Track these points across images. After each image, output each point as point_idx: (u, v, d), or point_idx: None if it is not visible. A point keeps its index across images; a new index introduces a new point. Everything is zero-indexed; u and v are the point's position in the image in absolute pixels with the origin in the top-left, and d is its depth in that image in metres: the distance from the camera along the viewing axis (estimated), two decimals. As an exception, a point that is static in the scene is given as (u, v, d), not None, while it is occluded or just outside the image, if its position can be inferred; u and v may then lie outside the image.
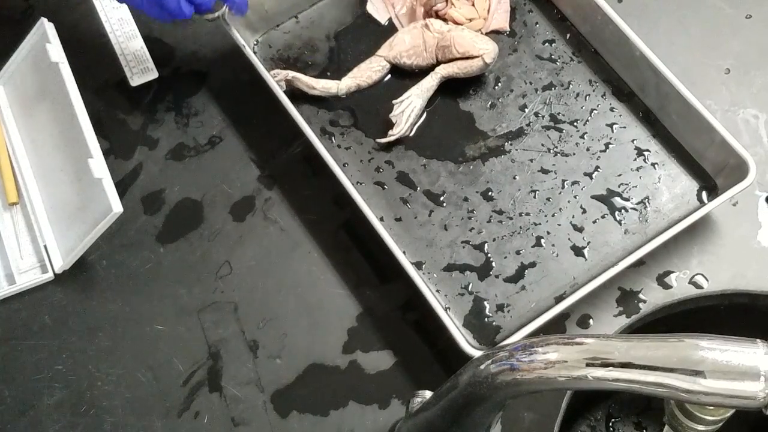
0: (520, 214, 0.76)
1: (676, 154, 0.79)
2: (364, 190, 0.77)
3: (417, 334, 0.72)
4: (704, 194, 0.77)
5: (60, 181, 0.75)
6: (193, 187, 0.78)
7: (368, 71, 0.82)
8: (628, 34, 0.79)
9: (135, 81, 0.84)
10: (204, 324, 0.72)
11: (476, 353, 0.66)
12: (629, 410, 0.88)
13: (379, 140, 0.79)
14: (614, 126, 0.81)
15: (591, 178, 0.78)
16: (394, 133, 0.79)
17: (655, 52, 0.78)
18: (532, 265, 0.74)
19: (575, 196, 0.77)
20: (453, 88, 0.82)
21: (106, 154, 0.71)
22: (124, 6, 0.88)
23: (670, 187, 0.78)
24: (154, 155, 0.80)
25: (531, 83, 0.83)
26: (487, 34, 0.84)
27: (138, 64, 0.85)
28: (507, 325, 0.72)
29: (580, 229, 0.76)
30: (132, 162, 0.80)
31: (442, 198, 0.77)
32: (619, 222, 0.76)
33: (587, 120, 0.81)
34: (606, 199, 0.77)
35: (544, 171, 0.78)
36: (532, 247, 0.75)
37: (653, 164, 0.79)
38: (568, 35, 0.85)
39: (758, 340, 0.42)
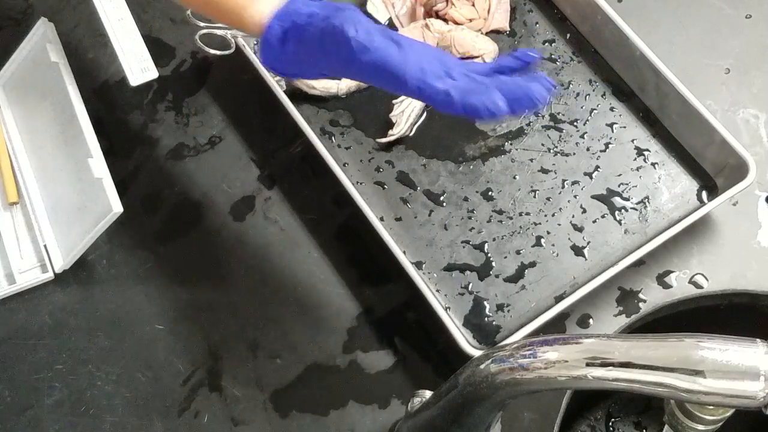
0: (520, 214, 0.76)
1: (676, 154, 0.79)
2: (364, 190, 0.77)
3: (417, 334, 0.72)
4: (704, 194, 0.77)
5: (60, 180, 0.75)
6: (193, 187, 0.78)
7: (368, 71, 0.82)
8: (628, 34, 0.79)
9: (135, 81, 0.84)
10: (204, 324, 0.72)
11: (476, 353, 0.66)
12: (629, 410, 0.88)
13: (379, 140, 0.79)
14: (614, 126, 0.81)
15: (591, 178, 0.78)
16: (394, 133, 0.79)
17: (655, 52, 0.78)
18: (532, 264, 0.74)
19: (575, 196, 0.77)
20: (453, 88, 0.82)
21: (106, 154, 0.71)
22: (124, 6, 0.87)
23: (670, 186, 0.78)
24: (154, 155, 0.80)
25: (531, 83, 0.83)
26: (487, 34, 0.84)
27: (138, 64, 0.84)
28: (507, 324, 0.72)
29: (580, 229, 0.76)
30: (132, 162, 0.80)
31: (442, 198, 0.77)
32: (619, 222, 0.76)
33: (587, 120, 0.81)
34: (606, 198, 0.77)
35: (544, 171, 0.78)
36: (532, 246, 0.75)
37: (653, 164, 0.79)
38: (568, 35, 0.85)
39: (758, 340, 0.42)
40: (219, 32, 0.81)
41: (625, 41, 0.80)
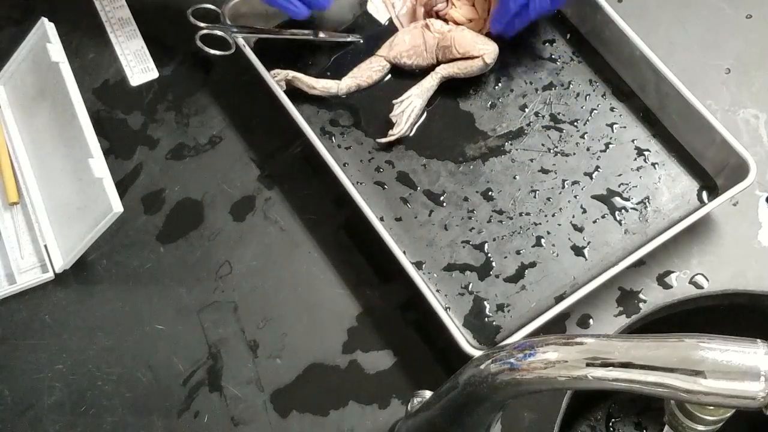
0: (521, 214, 0.76)
1: (677, 154, 0.79)
2: (364, 190, 0.77)
3: (417, 334, 0.72)
4: (704, 194, 0.77)
5: (60, 180, 0.75)
6: (193, 187, 0.78)
7: (368, 71, 0.82)
8: (628, 34, 0.79)
9: (135, 81, 0.84)
10: (204, 324, 0.72)
11: (476, 353, 0.66)
12: (629, 410, 0.88)
13: (379, 140, 0.79)
14: (614, 126, 0.81)
15: (591, 178, 0.78)
16: (394, 133, 0.79)
17: (655, 52, 0.78)
18: (532, 265, 0.74)
19: (575, 196, 0.77)
20: (453, 88, 0.82)
21: (106, 153, 0.71)
22: (125, 6, 0.88)
23: (671, 187, 0.78)
24: (154, 155, 0.80)
25: (531, 83, 0.83)
26: (487, 34, 0.84)
27: (138, 64, 0.85)
28: (507, 324, 0.72)
29: (580, 229, 0.76)
30: (132, 162, 0.80)
31: (442, 198, 0.77)
32: (619, 222, 0.76)
33: (587, 120, 0.81)
34: (606, 199, 0.77)
35: (545, 171, 0.78)
36: (532, 246, 0.75)
37: (653, 164, 0.79)
38: (568, 35, 0.85)
39: (758, 340, 0.42)
40: (219, 32, 0.81)
41: (625, 41, 0.80)
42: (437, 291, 0.73)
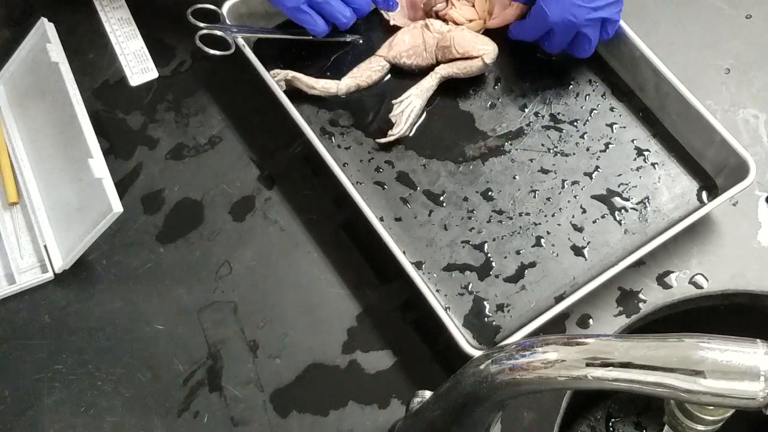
0: (520, 214, 0.76)
1: (676, 154, 0.79)
2: (364, 190, 0.77)
3: (417, 334, 0.72)
4: (704, 194, 0.77)
5: (60, 181, 0.75)
6: (193, 187, 0.78)
7: (368, 71, 0.82)
8: (629, 34, 0.79)
9: (135, 81, 0.84)
10: (204, 324, 0.72)
11: (476, 353, 0.66)
12: (629, 410, 0.88)
13: (379, 140, 0.79)
14: (614, 126, 0.81)
15: (591, 178, 0.78)
16: (394, 133, 0.79)
17: (655, 52, 0.78)
18: (532, 265, 0.74)
19: (575, 196, 0.77)
20: (453, 88, 0.82)
21: (106, 154, 0.71)
22: (124, 6, 0.88)
23: (670, 187, 0.78)
24: (154, 155, 0.80)
25: (531, 83, 0.83)
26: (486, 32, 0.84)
27: (138, 64, 0.85)
28: (507, 325, 0.72)
29: (580, 229, 0.76)
30: (132, 162, 0.80)
31: (442, 198, 0.77)
32: (619, 222, 0.76)
33: (587, 120, 0.81)
34: (606, 199, 0.77)
35: (544, 171, 0.78)
36: (532, 247, 0.75)
37: (653, 164, 0.79)
38: (568, 35, 0.85)
39: (758, 340, 0.42)
40: (219, 32, 0.81)
41: (625, 41, 0.80)
42: (437, 291, 0.73)
